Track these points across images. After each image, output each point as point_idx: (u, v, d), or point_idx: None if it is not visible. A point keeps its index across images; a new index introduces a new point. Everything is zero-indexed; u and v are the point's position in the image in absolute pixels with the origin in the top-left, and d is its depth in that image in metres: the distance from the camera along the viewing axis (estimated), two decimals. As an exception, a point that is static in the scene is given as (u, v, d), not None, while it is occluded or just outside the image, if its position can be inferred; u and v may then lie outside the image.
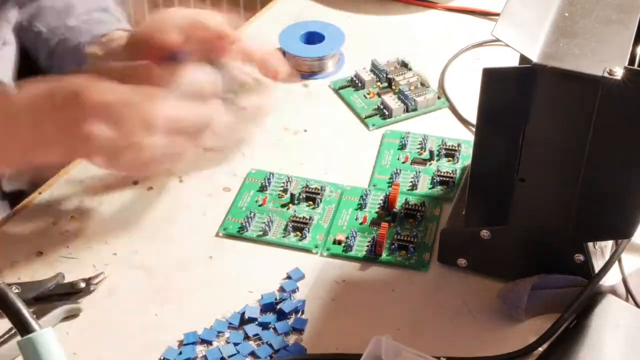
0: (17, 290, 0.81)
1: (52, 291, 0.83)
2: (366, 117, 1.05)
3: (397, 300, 0.83)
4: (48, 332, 0.57)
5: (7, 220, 0.91)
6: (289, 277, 0.85)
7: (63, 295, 0.83)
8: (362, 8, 1.23)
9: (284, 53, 1.11)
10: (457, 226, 0.84)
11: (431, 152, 0.97)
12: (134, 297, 0.84)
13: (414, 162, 0.97)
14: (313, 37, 1.13)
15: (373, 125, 1.04)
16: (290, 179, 0.95)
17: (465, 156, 0.97)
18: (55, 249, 0.88)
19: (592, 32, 0.73)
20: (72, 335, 0.80)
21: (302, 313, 0.82)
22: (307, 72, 1.11)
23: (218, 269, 0.86)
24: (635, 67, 0.71)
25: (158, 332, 0.80)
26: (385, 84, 1.08)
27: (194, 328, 0.80)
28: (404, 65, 1.10)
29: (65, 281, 0.84)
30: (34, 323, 0.57)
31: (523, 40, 0.72)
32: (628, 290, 0.82)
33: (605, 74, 0.68)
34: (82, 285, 0.83)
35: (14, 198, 0.95)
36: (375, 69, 1.10)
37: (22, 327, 0.57)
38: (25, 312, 0.57)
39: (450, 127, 1.03)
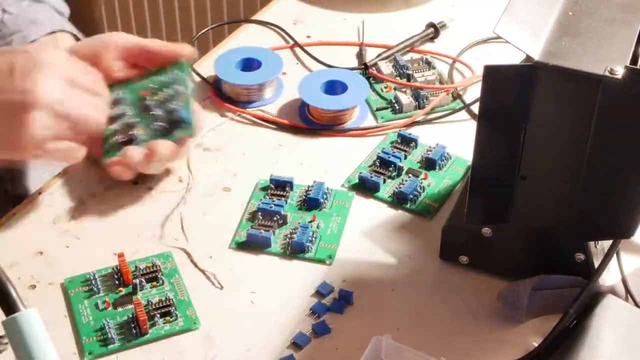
0: None
1: None
2: (377, 110, 1.05)
3: (397, 300, 0.83)
4: (33, 313, 0.57)
5: (7, 220, 0.91)
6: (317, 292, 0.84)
7: None
8: (365, 7, 1.23)
9: (220, 81, 1.07)
10: (458, 223, 0.84)
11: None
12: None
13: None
14: (250, 64, 1.07)
15: (382, 118, 1.04)
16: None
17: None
18: (55, 249, 0.88)
19: (595, 31, 0.73)
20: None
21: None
22: (245, 100, 1.05)
23: (218, 269, 0.86)
24: (637, 66, 0.71)
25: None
26: (405, 80, 1.08)
27: (198, 328, 0.80)
28: (427, 62, 1.10)
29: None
30: (19, 303, 0.57)
31: (525, 37, 0.72)
32: (627, 290, 0.82)
33: (606, 73, 0.69)
34: None
35: (19, 200, 0.95)
36: (396, 63, 1.10)
37: (8, 307, 0.57)
38: (13, 292, 0.57)
39: (459, 129, 1.02)
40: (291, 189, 0.93)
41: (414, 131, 1.00)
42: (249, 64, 1.08)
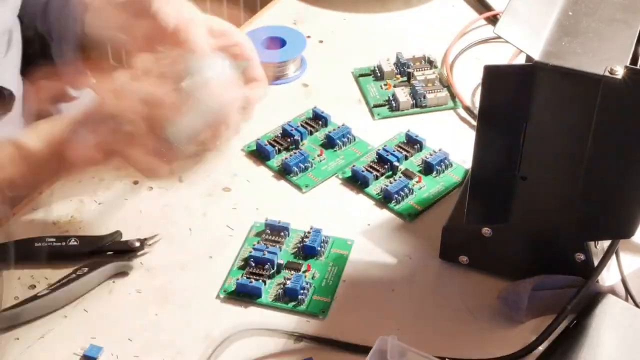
0: (75, 243, 0.86)
1: (109, 247, 0.86)
2: (374, 107, 1.05)
3: (397, 300, 0.83)
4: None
5: (7, 220, 0.91)
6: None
7: (117, 252, 0.86)
8: (359, 7, 1.23)
9: None
10: (459, 223, 0.84)
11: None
12: (135, 297, 0.84)
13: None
14: (275, 43, 1.11)
15: (378, 115, 1.04)
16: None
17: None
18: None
19: (595, 31, 0.73)
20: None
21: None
22: (271, 77, 1.02)
23: (218, 268, 0.86)
24: (637, 66, 0.71)
25: (158, 334, 0.81)
26: (405, 78, 1.08)
27: (196, 327, 0.81)
28: (430, 61, 1.10)
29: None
30: None
31: (525, 38, 0.72)
32: (627, 290, 0.82)
33: (606, 73, 0.69)
34: (137, 244, 0.86)
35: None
36: (397, 61, 1.10)
37: None
38: None
39: (453, 129, 1.02)
40: (287, 234, 0.88)
41: (420, 133, 0.99)
42: (273, 43, 1.10)
